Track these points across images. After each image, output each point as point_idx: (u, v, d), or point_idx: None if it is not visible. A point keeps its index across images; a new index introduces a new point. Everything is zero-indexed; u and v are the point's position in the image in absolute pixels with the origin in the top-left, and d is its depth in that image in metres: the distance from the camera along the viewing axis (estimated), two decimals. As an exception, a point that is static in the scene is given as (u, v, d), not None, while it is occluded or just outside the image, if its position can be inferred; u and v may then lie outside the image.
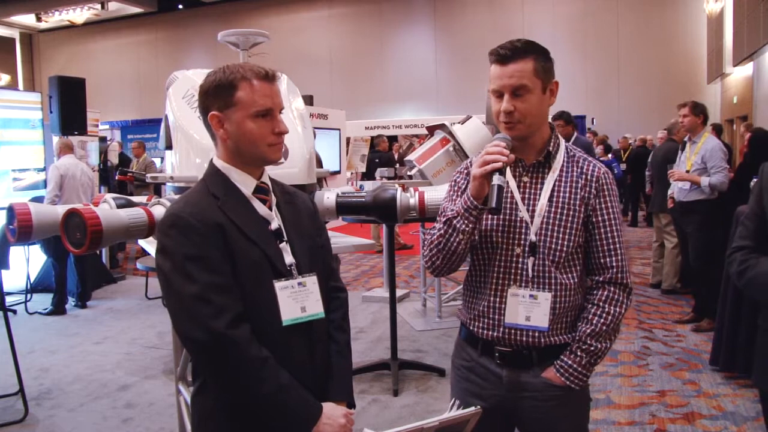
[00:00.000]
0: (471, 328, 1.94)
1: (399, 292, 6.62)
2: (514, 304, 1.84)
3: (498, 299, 1.87)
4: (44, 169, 8.16)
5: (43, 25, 24.01)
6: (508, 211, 1.86)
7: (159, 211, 2.54)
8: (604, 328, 1.83)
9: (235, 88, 1.59)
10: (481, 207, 1.74)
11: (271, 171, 1.74)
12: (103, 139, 12.13)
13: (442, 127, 5.50)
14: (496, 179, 1.72)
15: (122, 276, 8.59)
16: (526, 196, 1.87)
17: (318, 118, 6.05)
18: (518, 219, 1.85)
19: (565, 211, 1.84)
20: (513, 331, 1.85)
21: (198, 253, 1.53)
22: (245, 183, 1.66)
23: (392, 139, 15.82)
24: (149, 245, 3.18)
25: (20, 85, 23.91)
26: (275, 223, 1.68)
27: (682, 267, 6.60)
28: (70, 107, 7.84)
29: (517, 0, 18.90)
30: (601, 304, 1.84)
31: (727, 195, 5.44)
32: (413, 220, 3.46)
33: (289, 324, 1.61)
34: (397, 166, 7.07)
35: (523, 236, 1.84)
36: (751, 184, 5.02)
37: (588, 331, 1.83)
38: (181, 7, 22.68)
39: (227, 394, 1.57)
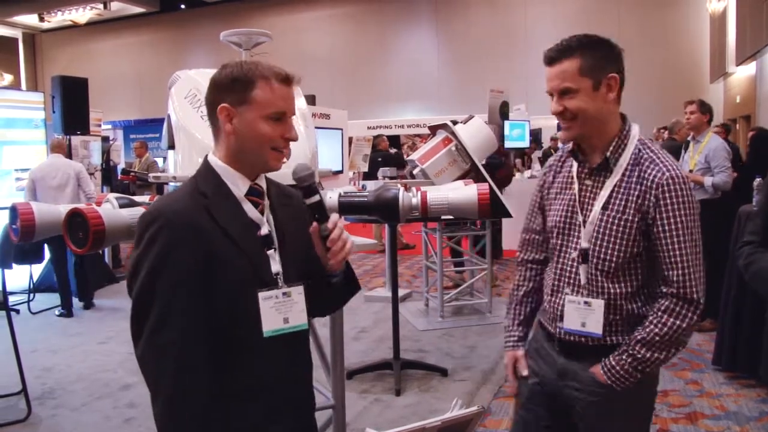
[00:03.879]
0: (541, 318, 2.03)
1: (401, 292, 6.61)
2: (571, 310, 1.87)
3: (554, 299, 1.94)
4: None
5: (45, 25, 24.02)
6: (569, 214, 1.89)
7: (161, 211, 2.54)
8: (657, 338, 1.78)
9: (253, 86, 1.53)
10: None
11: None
12: (105, 139, 12.12)
13: (444, 126, 5.50)
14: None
15: (124, 276, 8.58)
16: (585, 200, 1.86)
17: (320, 117, 6.05)
18: (575, 222, 1.87)
19: (617, 221, 1.80)
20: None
21: (171, 254, 1.47)
22: (238, 183, 1.58)
23: (394, 138, 15.80)
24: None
25: (23, 85, 23.90)
26: (265, 228, 1.61)
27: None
28: (72, 107, 7.85)
29: (519, -1, 18.91)
30: (659, 314, 1.79)
31: (730, 194, 5.43)
32: (416, 220, 3.46)
33: (270, 335, 1.56)
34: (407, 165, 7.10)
35: (577, 240, 1.86)
36: (755, 183, 5.01)
37: (639, 337, 1.80)
38: (183, 7, 22.69)
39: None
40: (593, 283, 1.84)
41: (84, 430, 3.99)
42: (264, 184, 1.65)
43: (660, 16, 17.23)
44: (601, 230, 1.82)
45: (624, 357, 1.81)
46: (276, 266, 1.60)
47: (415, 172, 5.41)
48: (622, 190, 1.81)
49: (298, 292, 1.61)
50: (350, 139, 10.33)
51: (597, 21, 17.43)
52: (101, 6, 21.31)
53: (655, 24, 17.17)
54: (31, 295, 7.13)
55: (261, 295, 1.55)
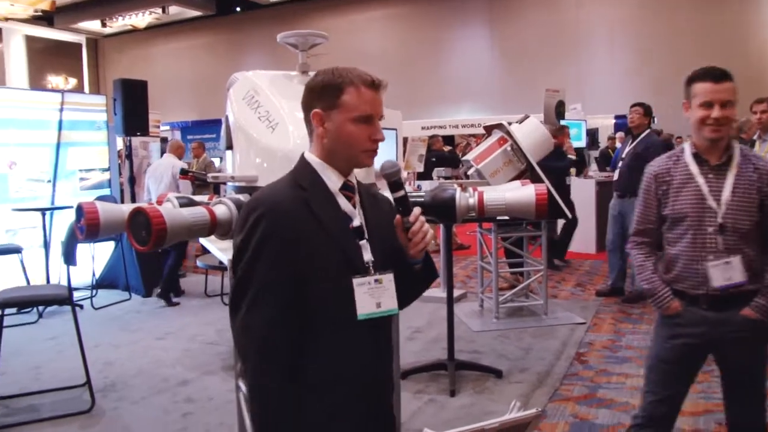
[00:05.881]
0: (676, 287, 2.61)
1: (456, 293, 6.57)
2: (716, 272, 2.47)
3: (697, 266, 2.52)
4: (108, 169, 8.41)
5: (107, 30, 24.72)
6: (699, 201, 2.51)
7: (221, 210, 2.57)
8: None
9: (342, 91, 1.67)
10: None
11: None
12: (164, 140, 12.39)
13: (499, 126, 5.45)
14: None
15: (182, 273, 8.75)
16: (713, 188, 2.49)
17: (375, 118, 6.08)
18: (707, 206, 2.49)
19: (744, 199, 2.48)
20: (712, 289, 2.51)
21: (269, 241, 1.61)
22: (332, 179, 1.71)
23: (449, 138, 15.72)
24: (210, 243, 3.22)
25: (86, 89, 24.65)
26: (357, 220, 1.73)
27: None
28: (133, 109, 8.04)
29: (574, -2, 18.56)
30: None
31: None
32: (472, 220, 3.43)
33: (364, 318, 1.67)
34: (461, 165, 7.04)
35: (712, 219, 2.48)
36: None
37: None
38: (238, 9, 23.04)
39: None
40: (730, 247, 2.47)
41: (144, 423, 4.08)
42: (355, 181, 1.78)
43: (721, 11, 16.68)
44: (733, 208, 2.47)
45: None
46: (368, 255, 1.72)
47: (470, 172, 5.37)
48: (742, 178, 2.49)
49: (388, 279, 1.72)
50: (405, 140, 10.33)
51: (656, 18, 17.03)
52: (160, 11, 21.81)
53: (714, 20, 16.62)
54: (94, 291, 7.34)
55: (355, 281, 1.67)
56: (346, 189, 1.73)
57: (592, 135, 13.85)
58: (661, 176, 2.62)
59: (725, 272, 2.46)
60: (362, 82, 1.67)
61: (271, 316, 1.61)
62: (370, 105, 1.68)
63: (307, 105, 1.72)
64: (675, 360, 2.67)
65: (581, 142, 10.10)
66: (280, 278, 1.61)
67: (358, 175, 1.82)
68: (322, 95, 1.68)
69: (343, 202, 1.72)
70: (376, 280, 1.70)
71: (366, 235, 1.73)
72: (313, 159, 1.72)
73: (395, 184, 1.74)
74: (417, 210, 1.73)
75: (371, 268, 1.71)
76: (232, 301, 1.66)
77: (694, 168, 2.53)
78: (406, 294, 1.83)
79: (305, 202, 1.65)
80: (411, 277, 1.80)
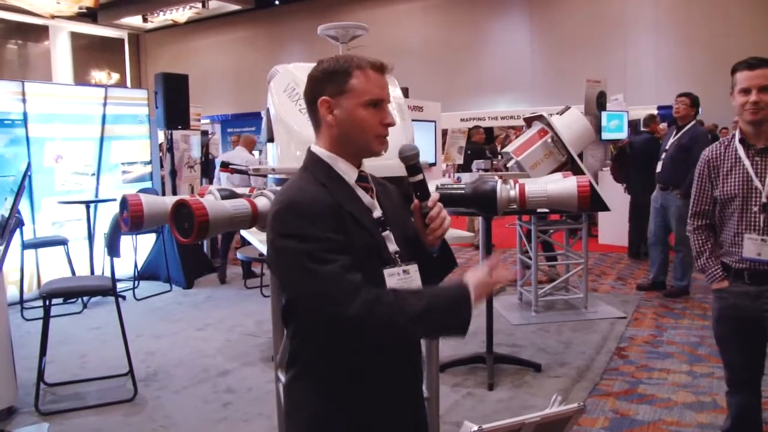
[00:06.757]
0: (724, 260, 2.83)
1: (494, 286, 6.54)
2: (749, 244, 2.71)
3: (740, 240, 2.74)
4: (150, 162, 8.54)
5: (148, 26, 25.08)
6: (745, 182, 2.72)
7: (262, 202, 2.58)
8: None
9: (350, 76, 1.61)
10: None
11: (371, 162, 1.74)
12: (204, 133, 12.53)
13: (540, 118, 5.40)
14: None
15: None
16: (758, 171, 2.70)
17: (413, 110, 6.03)
18: (753, 187, 2.71)
19: None
20: (752, 263, 2.71)
21: (323, 235, 1.51)
22: (348, 172, 1.66)
23: (488, 131, 15.62)
24: (251, 235, 3.25)
25: (128, 83, 25.06)
26: (378, 211, 1.69)
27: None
28: (174, 103, 8.14)
29: (617, -14, 18.23)
30: None
31: None
32: (512, 213, 3.40)
33: None
34: (500, 157, 6.97)
35: (757, 199, 2.70)
36: None
37: None
38: (277, 3, 23.18)
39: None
40: None
41: (185, 412, 4.15)
42: (367, 172, 1.73)
43: (770, 0, 16.22)
44: None
45: None
46: (392, 246, 1.68)
47: (509, 164, 5.33)
48: None
49: (414, 269, 1.69)
50: (444, 132, 10.30)
51: (701, 7, 16.64)
52: (200, 5, 22.05)
53: (764, 10, 16.18)
54: (136, 282, 7.48)
55: (386, 272, 1.63)
56: (363, 180, 1.69)
57: (634, 126, 13.60)
58: (713, 161, 2.85)
59: (758, 247, 2.67)
60: (369, 66, 1.63)
61: (343, 267, 1.50)
62: (380, 89, 1.64)
63: (313, 94, 1.65)
64: (729, 331, 2.88)
65: (623, 134, 9.91)
66: (334, 257, 1.51)
67: (396, 167, 1.78)
68: (329, 82, 1.62)
69: (362, 194, 1.67)
70: (404, 271, 1.66)
71: (388, 226, 1.69)
72: (323, 152, 1.66)
73: (414, 168, 1.71)
74: (435, 195, 1.70)
75: (398, 258, 1.67)
76: (307, 300, 1.55)
77: (741, 152, 2.75)
78: (425, 283, 1.79)
79: (333, 197, 1.59)
80: (429, 266, 1.75)
